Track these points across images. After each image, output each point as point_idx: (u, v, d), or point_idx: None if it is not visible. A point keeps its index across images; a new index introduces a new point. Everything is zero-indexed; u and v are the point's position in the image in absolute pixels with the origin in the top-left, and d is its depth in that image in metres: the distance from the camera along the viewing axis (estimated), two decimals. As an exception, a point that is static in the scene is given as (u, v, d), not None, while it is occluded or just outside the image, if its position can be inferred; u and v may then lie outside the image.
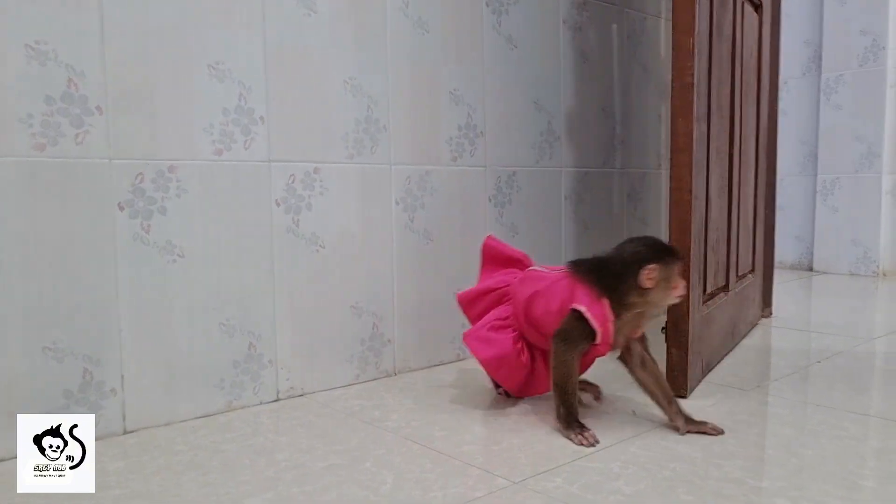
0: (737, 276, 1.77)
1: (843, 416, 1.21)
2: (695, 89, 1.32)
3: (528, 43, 1.72)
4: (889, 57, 2.84)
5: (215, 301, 1.25)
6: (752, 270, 1.96)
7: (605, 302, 1.13)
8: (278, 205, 1.32)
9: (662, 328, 1.35)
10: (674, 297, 1.15)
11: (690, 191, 1.33)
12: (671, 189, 1.35)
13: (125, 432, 1.16)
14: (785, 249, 3.17)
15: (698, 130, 1.35)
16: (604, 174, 1.97)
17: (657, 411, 1.20)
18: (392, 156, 1.48)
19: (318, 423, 1.22)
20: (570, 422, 1.14)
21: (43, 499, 0.88)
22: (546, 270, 1.27)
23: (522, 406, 1.30)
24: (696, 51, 1.32)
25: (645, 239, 1.19)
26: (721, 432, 1.14)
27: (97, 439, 1.04)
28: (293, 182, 1.34)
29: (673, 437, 1.12)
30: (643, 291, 1.12)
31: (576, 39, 1.85)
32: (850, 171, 2.97)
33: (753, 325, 1.98)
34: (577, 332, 1.14)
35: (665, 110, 2.17)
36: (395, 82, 1.48)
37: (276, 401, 1.33)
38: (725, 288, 1.66)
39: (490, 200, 1.67)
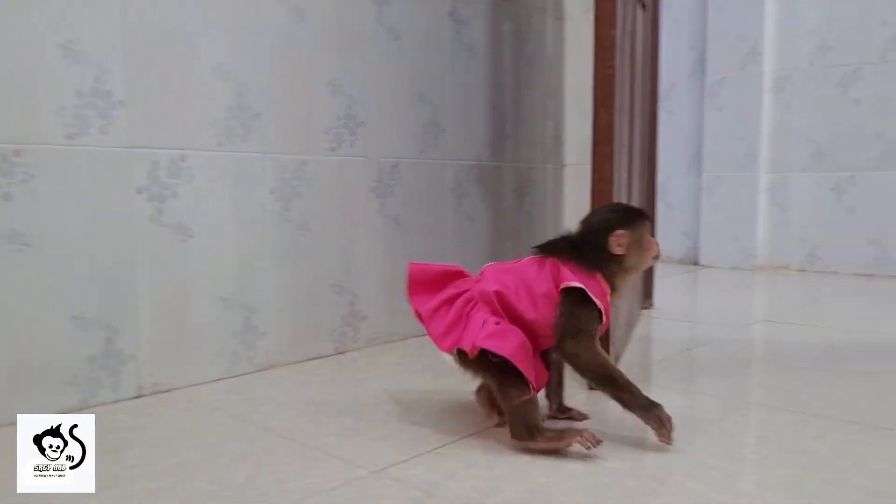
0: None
1: (699, 400, 1.26)
2: (616, 81, 1.31)
3: (411, 35, 1.72)
4: (765, 62, 2.99)
5: (67, 293, 1.18)
6: (637, 263, 2.01)
7: (600, 276, 1.07)
8: (140, 193, 1.26)
9: None
10: (650, 258, 1.12)
11: (612, 182, 1.31)
12: (593, 181, 1.33)
13: (-38, 434, 1.08)
14: (673, 245, 3.30)
15: (618, 123, 1.35)
16: (491, 168, 1.98)
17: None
18: (265, 144, 1.44)
19: (179, 419, 1.18)
20: (648, 404, 1.02)
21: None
22: (505, 264, 1.13)
23: (394, 397, 1.29)
24: (617, 43, 1.31)
25: (609, 206, 1.17)
26: (585, 417, 1.16)
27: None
28: (157, 169, 1.28)
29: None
30: (619, 259, 1.08)
31: (461, 33, 1.86)
32: (731, 170, 3.11)
33: (637, 317, 2.04)
34: (586, 317, 1.04)
35: (552, 106, 2.21)
36: (269, 70, 1.44)
37: (137, 397, 1.27)
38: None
39: (371, 192, 1.65)
